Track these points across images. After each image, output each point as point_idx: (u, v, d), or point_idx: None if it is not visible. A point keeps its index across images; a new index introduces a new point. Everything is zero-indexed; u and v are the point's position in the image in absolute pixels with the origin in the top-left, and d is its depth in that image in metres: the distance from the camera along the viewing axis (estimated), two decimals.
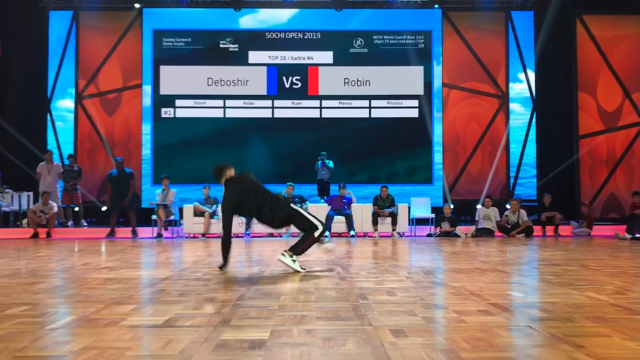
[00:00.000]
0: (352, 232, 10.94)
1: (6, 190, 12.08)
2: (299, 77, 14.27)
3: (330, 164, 12.43)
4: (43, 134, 14.10)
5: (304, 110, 14.27)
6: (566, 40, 14.41)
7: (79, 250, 7.77)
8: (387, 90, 14.27)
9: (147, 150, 14.20)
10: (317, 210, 11.18)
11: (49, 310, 3.21)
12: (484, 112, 14.37)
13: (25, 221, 11.77)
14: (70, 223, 12.12)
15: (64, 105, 14.28)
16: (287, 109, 14.27)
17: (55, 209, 11.30)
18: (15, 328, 2.68)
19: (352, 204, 11.43)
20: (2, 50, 14.20)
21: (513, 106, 14.43)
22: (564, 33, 14.39)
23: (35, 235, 10.84)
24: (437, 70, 14.37)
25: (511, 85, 14.45)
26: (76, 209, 12.45)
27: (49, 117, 14.17)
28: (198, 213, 11.18)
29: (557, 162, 14.05)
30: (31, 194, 12.35)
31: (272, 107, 14.27)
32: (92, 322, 2.82)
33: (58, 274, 4.93)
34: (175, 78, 14.24)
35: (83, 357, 2.18)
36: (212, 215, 11.11)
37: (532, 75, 14.43)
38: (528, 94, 14.43)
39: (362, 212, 11.33)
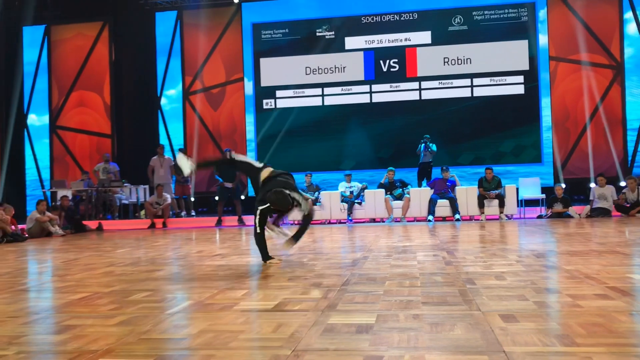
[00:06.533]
0: (457, 216, 10.68)
1: (125, 184, 12.94)
2: (396, 60, 14.08)
3: (434, 147, 12.13)
4: (155, 129, 14.94)
5: (403, 93, 14.07)
6: None
7: (193, 239, 8.19)
8: (489, 68, 13.73)
9: (251, 141, 14.66)
10: (419, 194, 11.04)
11: (168, 296, 3.42)
12: (597, 84, 13.43)
13: (142, 212, 12.55)
14: (183, 213, 12.79)
15: (172, 101, 15.04)
16: (386, 93, 14.14)
17: (169, 201, 11.97)
18: (139, 312, 2.88)
19: (457, 187, 11.16)
20: (114, 54, 15.19)
21: (629, 76, 13.39)
22: None
23: (152, 226, 11.54)
24: (543, 43, 13.63)
25: (626, 54, 13.40)
26: (192, 199, 13.13)
27: (159, 114, 15.00)
28: None
29: None
30: (147, 187, 13.11)
31: (370, 92, 14.20)
32: (208, 307, 2.97)
33: (175, 262, 5.23)
34: (275, 69, 14.54)
35: (200, 340, 2.30)
36: (315, 202, 11.29)
37: None
38: None
39: (467, 194, 11.01)
